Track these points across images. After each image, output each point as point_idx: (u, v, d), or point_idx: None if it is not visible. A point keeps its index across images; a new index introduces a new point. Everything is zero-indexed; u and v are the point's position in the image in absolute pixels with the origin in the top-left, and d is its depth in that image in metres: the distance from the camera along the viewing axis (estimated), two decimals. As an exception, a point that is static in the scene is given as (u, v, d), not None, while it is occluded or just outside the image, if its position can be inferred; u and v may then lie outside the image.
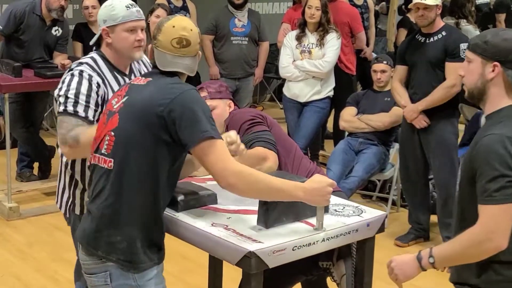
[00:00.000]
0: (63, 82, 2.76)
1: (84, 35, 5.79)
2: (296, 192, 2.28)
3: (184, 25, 2.41)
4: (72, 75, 2.76)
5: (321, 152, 6.28)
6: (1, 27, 5.23)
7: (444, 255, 2.20)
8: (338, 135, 5.79)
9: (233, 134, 2.61)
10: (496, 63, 2.17)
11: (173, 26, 2.40)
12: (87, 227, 2.36)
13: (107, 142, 2.33)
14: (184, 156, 2.40)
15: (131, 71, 2.93)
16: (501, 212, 2.06)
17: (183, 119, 2.24)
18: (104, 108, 2.62)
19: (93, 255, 2.32)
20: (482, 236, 2.08)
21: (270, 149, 2.82)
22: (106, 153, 2.32)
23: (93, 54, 2.87)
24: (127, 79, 2.84)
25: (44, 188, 5.33)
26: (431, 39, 4.40)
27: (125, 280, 2.29)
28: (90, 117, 2.70)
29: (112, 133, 2.32)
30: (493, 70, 2.18)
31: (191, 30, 2.41)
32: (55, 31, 5.47)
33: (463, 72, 2.27)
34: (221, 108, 2.99)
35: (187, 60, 2.41)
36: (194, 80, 4.10)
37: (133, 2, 2.87)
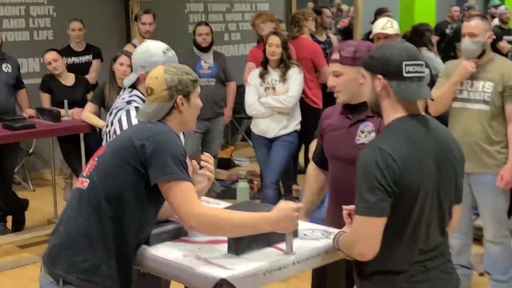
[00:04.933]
0: (119, 122, 2.94)
1: (52, 86, 5.84)
2: (261, 226, 2.34)
3: (152, 74, 2.52)
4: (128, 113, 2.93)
5: (294, 186, 6.34)
6: None
7: (339, 244, 2.37)
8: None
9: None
10: (379, 76, 2.26)
11: (146, 78, 2.54)
12: (51, 245, 2.42)
13: (89, 166, 2.46)
14: (159, 196, 2.44)
15: None
16: (363, 223, 2.19)
17: (152, 157, 2.33)
18: None
19: (52, 276, 2.36)
20: (349, 242, 2.26)
21: None
22: (85, 175, 2.44)
23: (135, 92, 3.02)
24: None
25: (18, 240, 5.31)
26: None
27: None
28: None
29: (96, 159, 2.46)
30: (379, 84, 2.26)
31: (156, 78, 2.48)
32: (5, 68, 5.55)
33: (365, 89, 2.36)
34: (349, 77, 2.81)
35: (151, 107, 2.49)
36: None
37: (167, 46, 2.98)
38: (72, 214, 2.41)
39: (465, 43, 3.93)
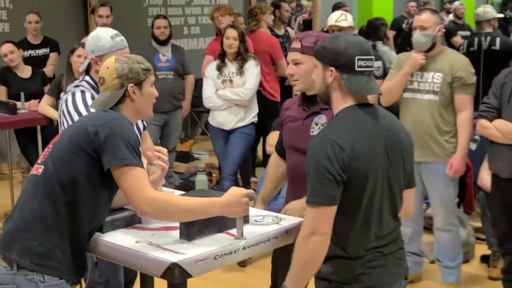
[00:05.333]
0: (66, 102, 3.07)
1: (8, 78, 5.81)
2: (211, 209, 2.40)
3: (103, 64, 2.58)
4: (73, 95, 3.06)
5: (252, 179, 6.40)
6: None
7: (291, 276, 2.33)
8: (267, 160, 5.92)
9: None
10: (332, 68, 2.32)
11: (101, 68, 2.59)
12: (5, 230, 2.44)
13: (44, 153, 2.49)
14: (112, 182, 2.47)
15: None
16: (316, 213, 2.25)
17: (106, 143, 2.36)
18: None
19: (6, 261, 2.37)
20: (304, 235, 2.27)
21: None
22: (40, 162, 2.47)
23: (86, 77, 3.14)
24: None
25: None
26: None
27: None
28: None
29: (51, 146, 2.50)
30: (331, 75, 2.32)
31: (107, 67, 2.54)
32: None
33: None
34: (309, 66, 2.78)
35: (103, 96, 2.53)
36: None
37: (116, 32, 3.10)
38: (27, 200, 2.44)
39: (416, 36, 4.03)
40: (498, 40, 6.09)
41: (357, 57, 2.29)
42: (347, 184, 2.24)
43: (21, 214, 2.43)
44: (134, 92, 2.52)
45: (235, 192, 2.42)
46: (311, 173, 2.25)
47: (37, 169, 2.46)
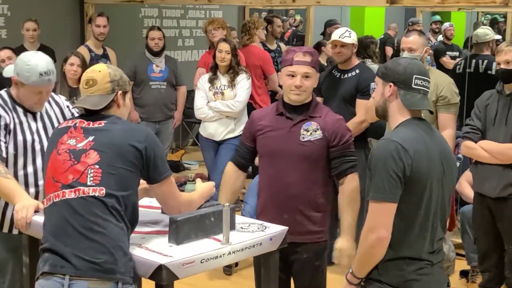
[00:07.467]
0: None
1: (6, 85, 5.89)
2: (199, 199, 2.85)
3: (93, 68, 2.67)
4: None
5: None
6: None
7: (355, 262, 2.52)
8: (255, 171, 6.04)
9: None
10: (391, 83, 2.53)
11: (86, 72, 2.67)
12: (96, 256, 2.41)
13: (92, 175, 2.49)
14: None
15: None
16: (378, 208, 2.39)
17: (155, 158, 2.55)
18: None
19: (110, 281, 2.41)
20: (366, 230, 2.41)
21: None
22: (94, 184, 2.48)
23: (3, 92, 3.14)
24: (30, 115, 3.13)
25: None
26: (346, 75, 4.73)
27: None
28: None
29: (97, 166, 2.49)
30: (389, 90, 2.53)
31: (99, 71, 2.62)
32: None
33: (374, 94, 2.64)
34: (314, 80, 3.15)
35: (94, 97, 2.59)
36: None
37: (48, 70, 3.02)
38: (104, 222, 2.44)
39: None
40: (494, 65, 6.12)
41: (414, 76, 2.52)
42: (408, 186, 2.41)
43: (107, 234, 2.43)
44: (121, 100, 2.64)
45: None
46: (376, 171, 2.42)
47: (96, 191, 2.46)
